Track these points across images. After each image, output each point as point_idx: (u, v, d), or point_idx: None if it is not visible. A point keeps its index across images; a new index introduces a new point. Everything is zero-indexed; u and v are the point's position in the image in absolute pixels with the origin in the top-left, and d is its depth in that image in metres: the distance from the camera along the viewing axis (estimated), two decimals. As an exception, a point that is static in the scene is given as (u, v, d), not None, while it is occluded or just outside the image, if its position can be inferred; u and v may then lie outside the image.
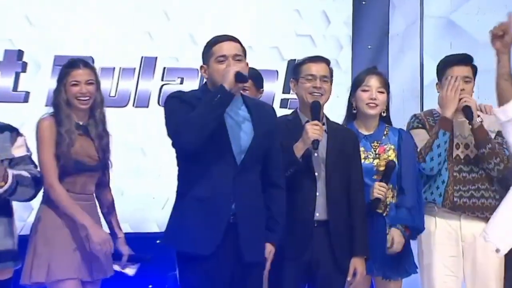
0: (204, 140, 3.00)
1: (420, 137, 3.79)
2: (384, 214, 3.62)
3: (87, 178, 3.60)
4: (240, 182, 3.09)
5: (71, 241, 3.53)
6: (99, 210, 3.75)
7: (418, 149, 3.74)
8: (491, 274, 3.73)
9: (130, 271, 3.76)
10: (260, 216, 3.16)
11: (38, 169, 3.44)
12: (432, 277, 3.77)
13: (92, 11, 5.26)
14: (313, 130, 3.29)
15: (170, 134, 3.11)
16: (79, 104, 3.56)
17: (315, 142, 3.28)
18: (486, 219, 3.68)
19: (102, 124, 3.65)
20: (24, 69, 5.16)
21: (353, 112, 3.71)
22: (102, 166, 3.66)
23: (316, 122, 3.31)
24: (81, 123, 3.60)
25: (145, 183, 5.31)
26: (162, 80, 5.46)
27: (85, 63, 3.64)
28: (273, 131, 3.22)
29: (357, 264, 3.40)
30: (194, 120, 2.99)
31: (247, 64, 3.19)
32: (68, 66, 3.60)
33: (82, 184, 3.59)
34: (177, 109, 3.09)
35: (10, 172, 3.24)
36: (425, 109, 5.28)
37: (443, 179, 3.78)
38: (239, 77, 3.04)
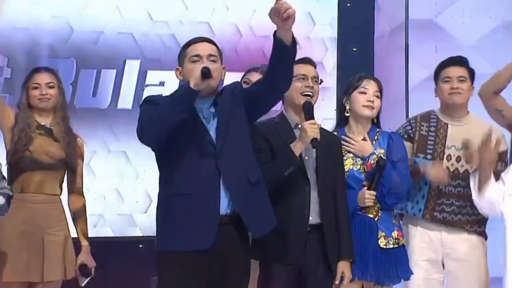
0: (165, 136, 2.98)
1: None
2: (376, 219, 3.59)
3: (44, 175, 3.65)
4: (227, 170, 3.05)
5: (21, 242, 3.56)
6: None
7: None
8: (475, 280, 3.72)
9: (80, 280, 3.76)
10: (248, 180, 3.10)
11: (6, 184, 3.44)
12: (410, 280, 3.75)
13: (73, 13, 5.21)
14: (312, 129, 3.27)
15: (137, 133, 3.08)
16: (39, 103, 3.71)
17: (314, 141, 3.27)
18: (468, 231, 3.72)
19: (65, 126, 3.75)
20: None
21: (345, 116, 3.67)
22: (62, 166, 3.70)
23: (313, 121, 3.31)
24: (43, 123, 3.71)
25: (127, 187, 5.26)
26: (144, 82, 5.41)
27: (48, 68, 3.85)
28: (236, 105, 3.15)
29: (344, 267, 3.39)
30: (155, 116, 2.98)
31: (224, 68, 3.18)
32: (31, 72, 3.81)
33: (39, 182, 3.63)
34: (147, 110, 3.07)
35: None
36: (410, 112, 5.27)
37: (423, 193, 3.76)
38: (205, 73, 2.99)
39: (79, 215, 3.79)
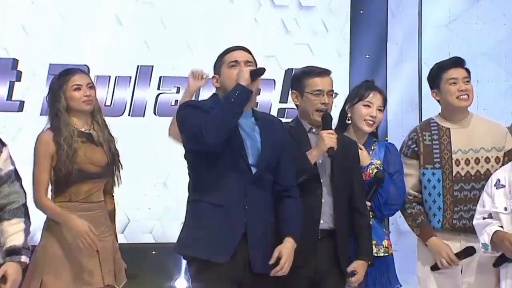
0: (225, 138, 3.02)
1: (409, 170, 3.72)
2: None
3: (92, 185, 3.57)
4: (253, 191, 3.11)
5: (77, 251, 3.49)
6: None
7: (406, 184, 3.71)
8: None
9: None
10: (269, 227, 3.17)
11: (22, 184, 3.27)
12: None
13: (88, 19, 5.23)
14: (330, 138, 3.30)
15: (189, 136, 3.12)
16: (84, 106, 3.54)
17: (331, 150, 3.30)
18: None
19: (106, 128, 3.65)
20: (19, 78, 5.13)
21: (346, 123, 3.66)
22: (108, 172, 3.64)
23: (331, 131, 3.33)
24: (83, 129, 3.57)
25: (140, 194, 5.27)
26: (158, 89, 5.42)
27: (81, 70, 3.69)
28: (282, 143, 3.23)
29: (359, 266, 3.37)
30: (215, 118, 3.00)
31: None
32: (65, 74, 3.59)
33: (87, 192, 3.56)
34: (194, 113, 3.10)
35: (26, 259, 3.13)
36: (423, 119, 5.24)
37: (438, 205, 3.71)
38: (255, 73, 3.08)
39: (111, 217, 3.73)
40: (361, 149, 3.60)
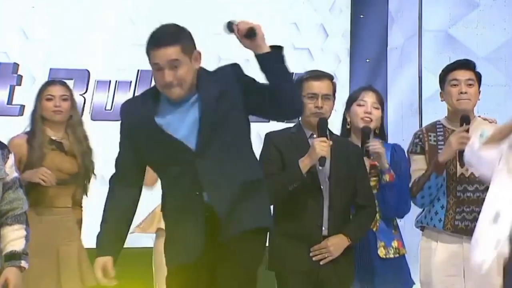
0: None
1: (417, 165, 3.72)
2: (374, 229, 3.59)
3: (56, 191, 3.71)
4: (205, 165, 2.78)
5: (36, 255, 3.50)
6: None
7: (411, 180, 3.69)
8: None
9: None
10: (239, 185, 2.80)
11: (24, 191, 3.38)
12: None
13: (88, 24, 5.24)
14: (321, 147, 3.25)
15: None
16: (53, 116, 3.71)
17: (322, 159, 3.26)
18: None
19: (85, 141, 3.79)
20: (19, 82, 5.14)
21: (347, 128, 3.68)
22: (76, 182, 3.76)
23: (324, 138, 3.29)
24: (54, 138, 3.72)
25: (140, 197, 5.25)
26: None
27: (62, 81, 3.87)
28: (235, 88, 2.84)
29: (334, 239, 3.31)
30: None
31: (199, 54, 2.88)
32: (44, 84, 3.83)
33: (51, 197, 3.70)
34: (120, 143, 3.04)
35: (25, 264, 3.18)
36: (424, 123, 5.25)
37: (442, 204, 3.71)
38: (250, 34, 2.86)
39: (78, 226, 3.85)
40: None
